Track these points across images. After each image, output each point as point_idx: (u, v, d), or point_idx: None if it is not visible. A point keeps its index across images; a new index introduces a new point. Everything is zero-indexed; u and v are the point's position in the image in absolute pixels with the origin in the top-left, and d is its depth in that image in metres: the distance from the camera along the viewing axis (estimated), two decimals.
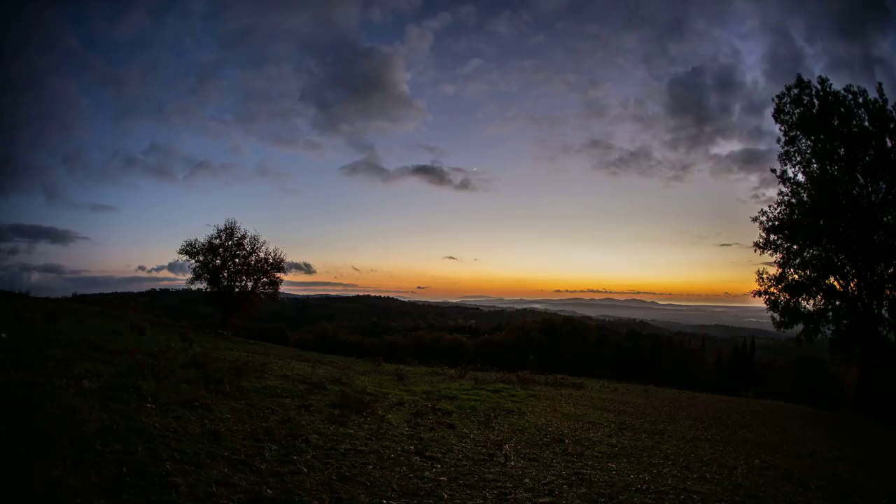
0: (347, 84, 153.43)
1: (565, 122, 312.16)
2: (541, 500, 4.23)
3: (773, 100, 18.90)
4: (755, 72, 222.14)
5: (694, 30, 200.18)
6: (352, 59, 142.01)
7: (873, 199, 17.43)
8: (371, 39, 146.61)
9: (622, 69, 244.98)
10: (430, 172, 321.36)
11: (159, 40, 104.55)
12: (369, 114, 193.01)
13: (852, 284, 17.91)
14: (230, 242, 30.09)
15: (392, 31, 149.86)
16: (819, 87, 18.01)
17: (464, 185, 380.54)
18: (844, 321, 18.15)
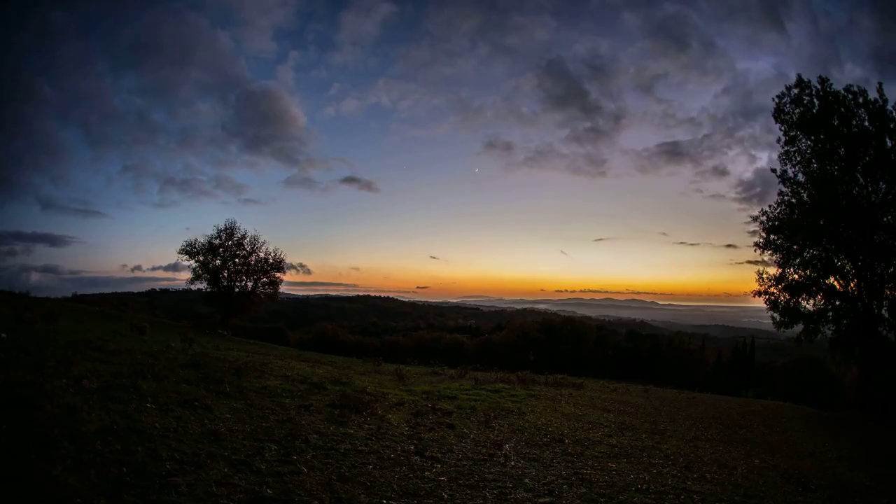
0: (251, 118, 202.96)
1: (447, 126, 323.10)
2: (541, 500, 4.23)
3: (773, 100, 18.90)
4: (630, 50, 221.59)
5: (526, 12, 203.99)
6: (246, 97, 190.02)
7: (873, 199, 17.40)
8: (256, 80, 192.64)
9: (473, 67, 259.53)
10: (356, 182, 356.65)
11: (105, 91, 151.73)
12: (278, 137, 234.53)
13: (852, 284, 17.89)
14: (230, 243, 30.11)
15: (266, 72, 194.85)
16: (819, 87, 18.00)
17: (392, 191, 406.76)
18: (844, 321, 18.12)
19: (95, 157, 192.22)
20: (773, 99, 18.85)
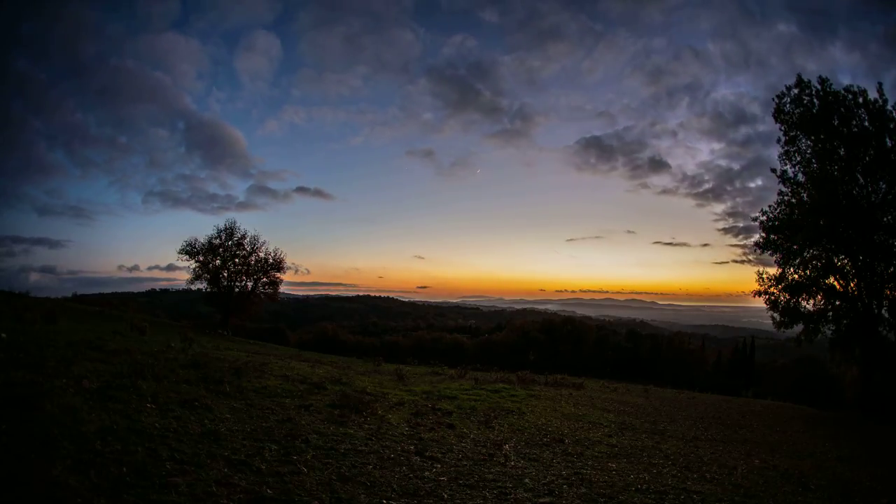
0: (200, 141, 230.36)
1: (360, 139, 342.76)
2: (541, 500, 4.23)
3: (773, 100, 18.92)
4: (499, 46, 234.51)
5: (386, 26, 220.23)
6: (191, 126, 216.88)
7: (873, 199, 17.40)
8: (196, 111, 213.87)
9: (361, 84, 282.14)
10: (307, 190, 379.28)
11: (80, 123, 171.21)
12: (228, 155, 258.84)
13: (852, 284, 17.89)
14: (230, 242, 30.09)
15: (201, 105, 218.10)
16: (819, 87, 18.00)
17: (350, 200, 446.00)
18: (844, 321, 18.13)
19: (82, 174, 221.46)
20: (773, 99, 18.90)
